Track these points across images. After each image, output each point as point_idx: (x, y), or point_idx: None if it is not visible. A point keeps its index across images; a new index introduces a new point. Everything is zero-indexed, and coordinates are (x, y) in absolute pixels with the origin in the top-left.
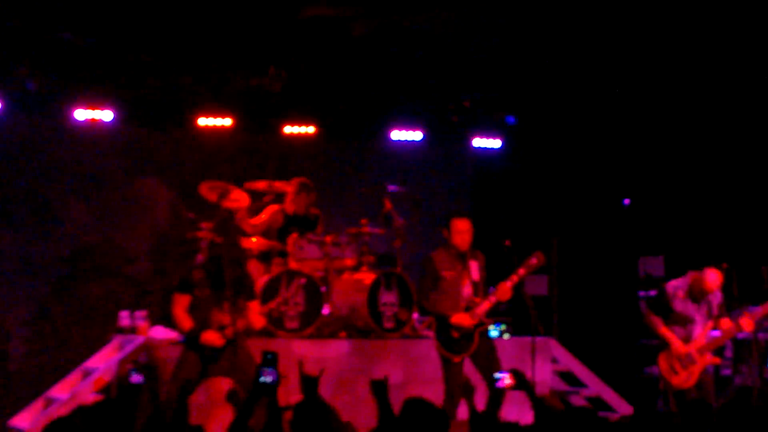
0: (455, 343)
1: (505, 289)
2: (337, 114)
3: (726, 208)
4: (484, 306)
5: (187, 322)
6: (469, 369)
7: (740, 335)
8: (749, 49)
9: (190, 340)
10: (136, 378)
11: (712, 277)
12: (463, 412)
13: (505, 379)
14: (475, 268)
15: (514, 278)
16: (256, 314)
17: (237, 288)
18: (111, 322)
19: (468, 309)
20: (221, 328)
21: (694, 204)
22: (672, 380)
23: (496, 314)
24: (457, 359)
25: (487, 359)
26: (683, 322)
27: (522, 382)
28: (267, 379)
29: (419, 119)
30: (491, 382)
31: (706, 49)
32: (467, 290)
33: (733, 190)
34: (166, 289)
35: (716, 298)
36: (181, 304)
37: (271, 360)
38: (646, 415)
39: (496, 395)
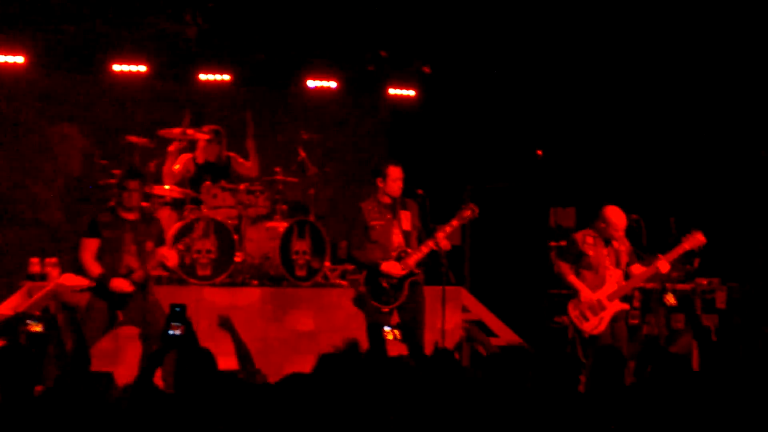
0: (384, 293)
1: (440, 238)
2: (252, 62)
3: (635, 160)
4: (415, 256)
5: (95, 268)
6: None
7: (648, 285)
8: None
9: (99, 287)
10: (34, 326)
11: (613, 212)
12: None
13: (390, 333)
14: (406, 218)
15: (447, 229)
16: (167, 255)
17: (146, 232)
18: (21, 268)
19: (399, 258)
20: (129, 273)
21: (605, 155)
22: (582, 326)
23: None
24: (385, 309)
25: (415, 312)
26: (595, 268)
27: (409, 337)
28: (176, 332)
29: (335, 68)
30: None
31: None
32: (397, 239)
33: (642, 141)
34: (77, 236)
35: (623, 245)
36: (89, 249)
37: (179, 313)
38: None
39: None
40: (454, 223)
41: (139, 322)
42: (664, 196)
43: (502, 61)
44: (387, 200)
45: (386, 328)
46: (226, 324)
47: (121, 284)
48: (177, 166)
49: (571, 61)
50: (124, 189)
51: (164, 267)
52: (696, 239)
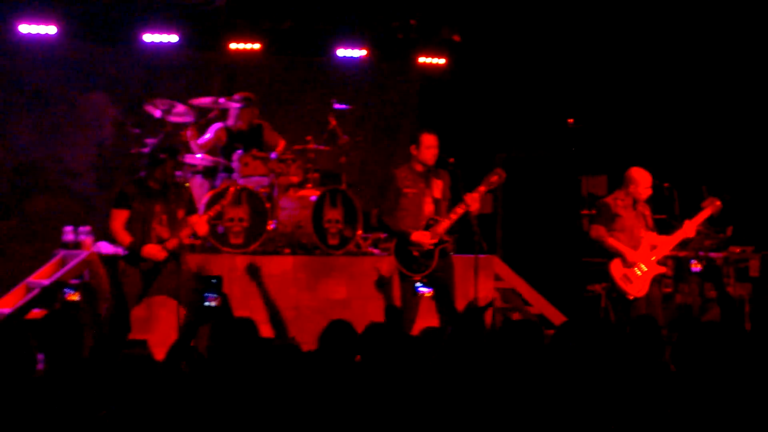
0: (414, 261)
1: (468, 202)
2: (282, 31)
3: (668, 128)
4: (445, 224)
5: (126, 237)
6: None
7: (681, 253)
8: None
9: (131, 255)
10: (71, 295)
11: (638, 172)
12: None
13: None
14: (438, 187)
15: (475, 195)
16: (198, 223)
17: (176, 201)
18: (55, 237)
19: (428, 227)
20: (161, 242)
21: (637, 124)
22: (627, 288)
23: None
24: (416, 277)
25: (445, 279)
26: (629, 230)
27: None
28: (211, 303)
29: (364, 36)
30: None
31: None
32: (428, 208)
33: (675, 110)
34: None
35: (646, 209)
36: (119, 219)
37: (215, 284)
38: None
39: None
40: (482, 189)
41: (173, 291)
42: (697, 164)
43: (532, 28)
44: (420, 168)
45: (419, 285)
46: (266, 290)
47: (153, 251)
48: (208, 135)
49: (603, 27)
50: (158, 163)
51: (195, 236)
52: (714, 204)
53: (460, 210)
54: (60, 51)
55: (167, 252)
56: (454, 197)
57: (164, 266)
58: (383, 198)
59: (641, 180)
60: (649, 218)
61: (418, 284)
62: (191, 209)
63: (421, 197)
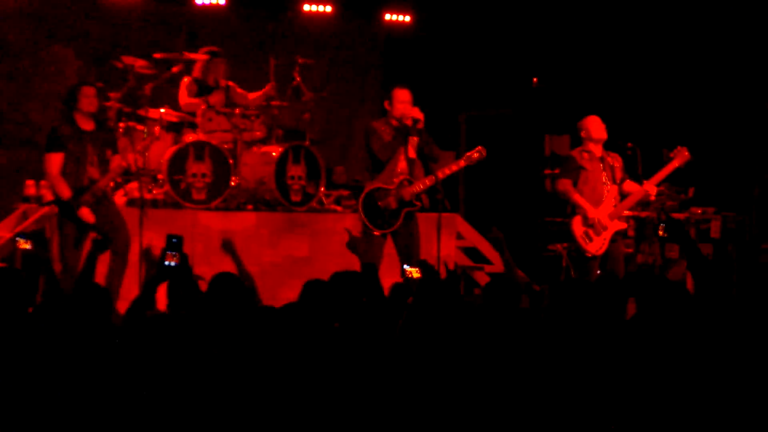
0: (380, 216)
1: (440, 177)
2: None
3: (631, 87)
4: (416, 187)
5: (65, 189)
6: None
7: (643, 213)
8: None
9: (67, 208)
10: (23, 243)
11: (587, 118)
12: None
13: (412, 272)
14: (412, 145)
15: (453, 167)
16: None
17: (104, 140)
18: (17, 191)
19: (401, 186)
20: (92, 185)
21: (601, 83)
22: (587, 246)
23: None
24: (377, 232)
25: (408, 240)
26: (593, 184)
27: (429, 274)
28: (171, 263)
29: None
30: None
31: None
32: (401, 165)
33: (637, 69)
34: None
35: (617, 161)
36: (56, 165)
37: (176, 244)
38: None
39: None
40: (461, 163)
41: (104, 234)
42: (660, 124)
43: None
44: (395, 123)
45: (406, 267)
46: (227, 247)
47: (87, 215)
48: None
49: None
50: (81, 96)
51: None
52: (683, 155)
53: (428, 182)
54: (24, 2)
55: (96, 198)
56: (430, 155)
57: (95, 212)
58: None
59: (590, 124)
60: (618, 170)
61: (405, 266)
62: (115, 148)
63: (396, 154)
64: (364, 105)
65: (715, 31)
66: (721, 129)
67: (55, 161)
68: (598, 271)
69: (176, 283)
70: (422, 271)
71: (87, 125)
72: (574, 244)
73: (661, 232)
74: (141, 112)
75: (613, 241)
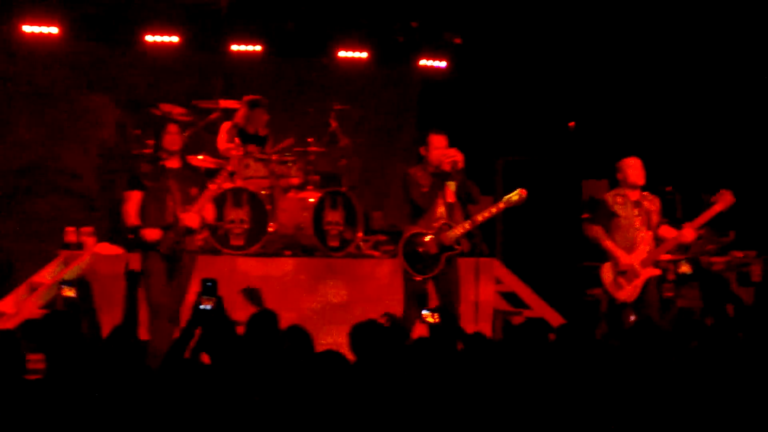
0: (420, 261)
1: (479, 221)
2: (283, 32)
3: (670, 134)
4: (456, 231)
5: (134, 219)
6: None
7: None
8: None
9: (135, 238)
10: (67, 290)
11: (625, 159)
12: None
13: (428, 316)
14: (450, 190)
15: (493, 210)
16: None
17: (189, 177)
18: (57, 237)
19: (440, 231)
20: (176, 222)
21: (638, 128)
22: (617, 294)
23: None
24: (418, 278)
25: (449, 285)
26: (625, 229)
27: (447, 321)
28: (207, 306)
29: (366, 39)
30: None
31: None
32: (440, 210)
33: (676, 116)
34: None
35: (653, 205)
36: (132, 200)
37: (210, 288)
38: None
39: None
40: (500, 206)
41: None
42: (699, 169)
43: (533, 31)
44: (431, 170)
45: (425, 312)
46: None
47: (151, 234)
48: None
49: (605, 30)
50: (165, 133)
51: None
52: (726, 198)
53: (467, 225)
54: (62, 51)
55: (179, 235)
56: (468, 199)
57: (180, 252)
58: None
59: (628, 168)
60: (655, 215)
61: (424, 311)
62: (204, 187)
63: (433, 198)
64: (400, 150)
65: (755, 75)
66: (763, 171)
67: (130, 199)
68: (632, 318)
69: (211, 328)
70: (441, 318)
71: (170, 162)
72: (604, 291)
73: (683, 269)
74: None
75: (645, 287)
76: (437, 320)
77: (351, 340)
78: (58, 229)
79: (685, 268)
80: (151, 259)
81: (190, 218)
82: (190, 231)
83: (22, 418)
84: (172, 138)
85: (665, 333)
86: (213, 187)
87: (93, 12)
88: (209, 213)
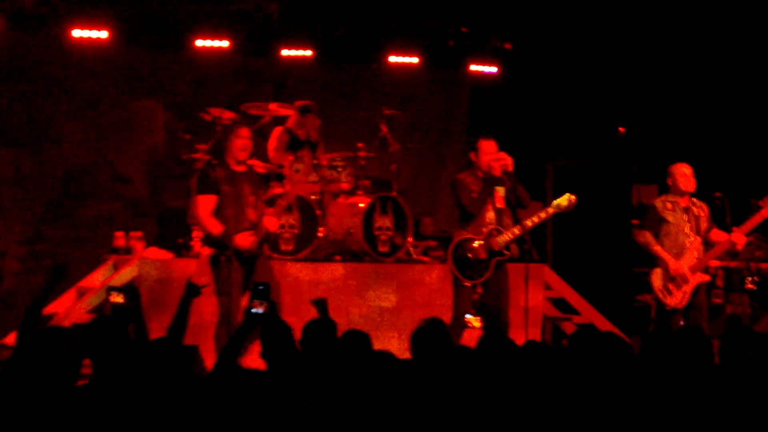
0: (469, 267)
1: (528, 227)
2: (334, 37)
3: (720, 139)
4: (505, 237)
5: (216, 225)
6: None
7: (732, 263)
8: None
9: (220, 246)
10: (115, 296)
11: (674, 165)
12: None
13: (473, 321)
14: (500, 195)
15: (543, 215)
16: (270, 215)
17: (257, 182)
18: (106, 242)
19: (489, 236)
20: (253, 226)
21: (688, 133)
22: (666, 300)
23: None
24: (467, 283)
25: (499, 291)
26: (674, 235)
27: (489, 325)
28: (259, 310)
29: (416, 43)
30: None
31: None
32: (489, 216)
33: (726, 122)
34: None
35: (702, 210)
36: (206, 205)
37: (263, 291)
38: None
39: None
40: (550, 211)
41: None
42: (748, 175)
43: (584, 35)
44: (481, 175)
45: (468, 316)
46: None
47: (244, 241)
48: (273, 142)
49: (656, 35)
50: (235, 137)
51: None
52: None
53: (517, 231)
54: (112, 56)
55: (259, 239)
56: (519, 204)
57: (257, 257)
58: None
59: (678, 174)
60: (704, 220)
61: (467, 315)
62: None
63: (483, 204)
64: (449, 155)
65: None
66: None
67: (205, 203)
68: (681, 323)
69: (268, 332)
70: (484, 324)
71: (239, 167)
72: (654, 297)
73: (748, 285)
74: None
75: (695, 293)
76: (479, 324)
77: (412, 342)
78: (108, 234)
79: (752, 286)
80: (231, 264)
81: (270, 221)
82: (269, 234)
83: (67, 422)
84: (244, 143)
85: (710, 339)
86: (291, 191)
87: (142, 16)
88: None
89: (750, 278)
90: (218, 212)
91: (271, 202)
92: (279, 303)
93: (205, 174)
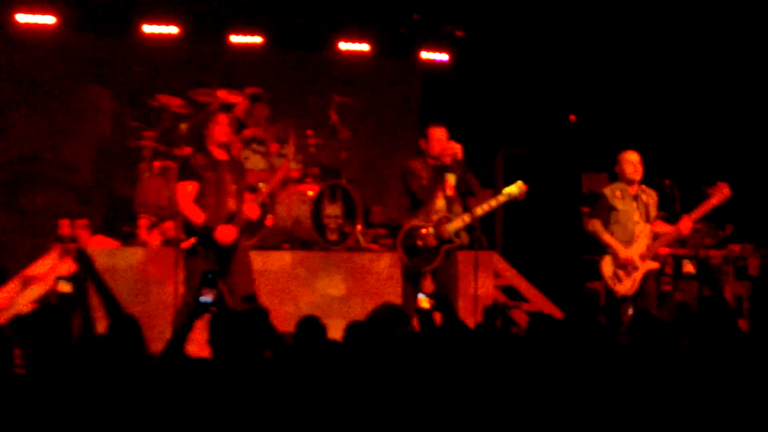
0: (419, 254)
1: (478, 214)
2: (284, 24)
3: (670, 127)
4: (455, 224)
5: (199, 214)
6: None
7: (680, 251)
8: None
9: (202, 236)
10: (64, 287)
11: (628, 157)
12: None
13: (424, 301)
14: (450, 183)
15: (493, 203)
16: (251, 203)
17: (239, 171)
18: (52, 230)
19: (439, 224)
20: (232, 217)
21: (638, 120)
22: (616, 287)
23: None
24: (417, 270)
25: (448, 278)
26: (624, 223)
27: (443, 306)
28: (207, 298)
29: (367, 31)
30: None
31: None
32: (439, 203)
33: (676, 108)
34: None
35: (651, 198)
36: (187, 192)
37: (211, 279)
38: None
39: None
40: (500, 199)
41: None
42: (700, 160)
43: (535, 24)
44: (431, 162)
45: (420, 296)
46: (264, 286)
47: (225, 235)
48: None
49: (605, 24)
50: (215, 124)
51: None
52: (722, 192)
53: (467, 218)
54: (59, 42)
55: (239, 231)
56: (469, 192)
57: (233, 250)
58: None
59: (625, 160)
60: (653, 208)
61: (420, 295)
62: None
63: (432, 191)
64: (401, 143)
65: (755, 66)
66: (761, 164)
67: (185, 190)
68: (630, 311)
69: (216, 320)
70: (437, 305)
71: (221, 155)
72: (604, 284)
73: (686, 269)
74: (176, 151)
75: (644, 280)
76: (432, 305)
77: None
78: (53, 222)
79: (689, 268)
80: (207, 258)
81: (251, 209)
82: (250, 222)
83: (5, 413)
84: (222, 129)
85: (664, 325)
86: (278, 178)
87: (90, 2)
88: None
89: (687, 260)
90: (199, 200)
91: (253, 189)
92: (256, 293)
93: (185, 161)
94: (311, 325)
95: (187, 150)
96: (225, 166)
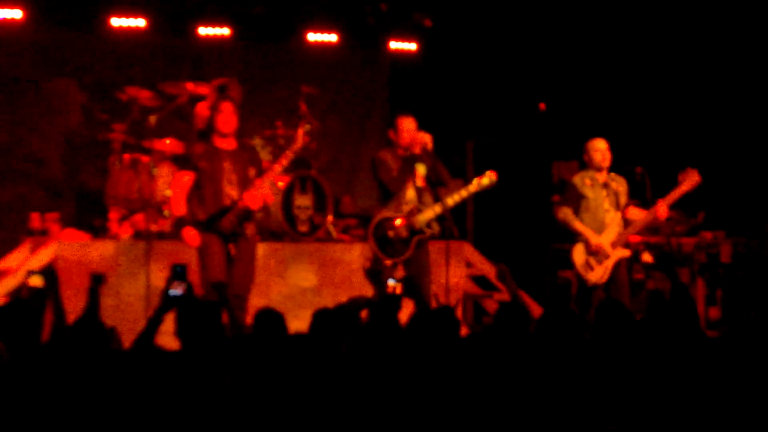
0: (390, 245)
1: (449, 205)
2: (252, 15)
3: (640, 113)
4: (426, 215)
5: (180, 208)
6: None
7: (653, 238)
8: None
9: (179, 225)
10: (35, 281)
11: (595, 145)
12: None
13: (394, 287)
14: (420, 173)
15: (463, 193)
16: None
17: (244, 159)
18: (22, 224)
19: (410, 215)
20: (233, 205)
21: (609, 108)
22: (588, 276)
23: None
24: (388, 262)
25: (420, 269)
26: (594, 211)
27: (412, 291)
28: (177, 291)
29: (335, 21)
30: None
31: None
32: (410, 194)
33: (645, 95)
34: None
35: (621, 186)
36: (181, 183)
37: (180, 273)
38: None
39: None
40: (471, 189)
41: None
42: (670, 149)
43: (504, 13)
44: (401, 153)
45: (390, 282)
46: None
47: (191, 238)
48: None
49: (575, 12)
50: (217, 113)
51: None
52: (692, 178)
53: (437, 209)
54: (26, 35)
55: (238, 218)
56: (438, 183)
57: (241, 233)
58: (371, 182)
59: (593, 148)
60: (623, 195)
61: (390, 281)
62: (261, 169)
63: (403, 182)
64: (370, 133)
65: (728, 54)
66: (732, 151)
67: (179, 179)
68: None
69: (184, 312)
70: (406, 290)
71: (224, 144)
72: (576, 273)
73: (644, 258)
74: (146, 144)
75: (616, 268)
76: (401, 291)
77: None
78: (23, 216)
79: (647, 258)
80: (210, 238)
81: (252, 199)
82: (250, 212)
83: None
84: (226, 117)
85: (632, 315)
86: (277, 169)
87: None
88: (269, 196)
89: (645, 250)
90: (196, 190)
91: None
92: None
93: (185, 152)
94: (270, 318)
95: (156, 142)
96: (226, 155)
